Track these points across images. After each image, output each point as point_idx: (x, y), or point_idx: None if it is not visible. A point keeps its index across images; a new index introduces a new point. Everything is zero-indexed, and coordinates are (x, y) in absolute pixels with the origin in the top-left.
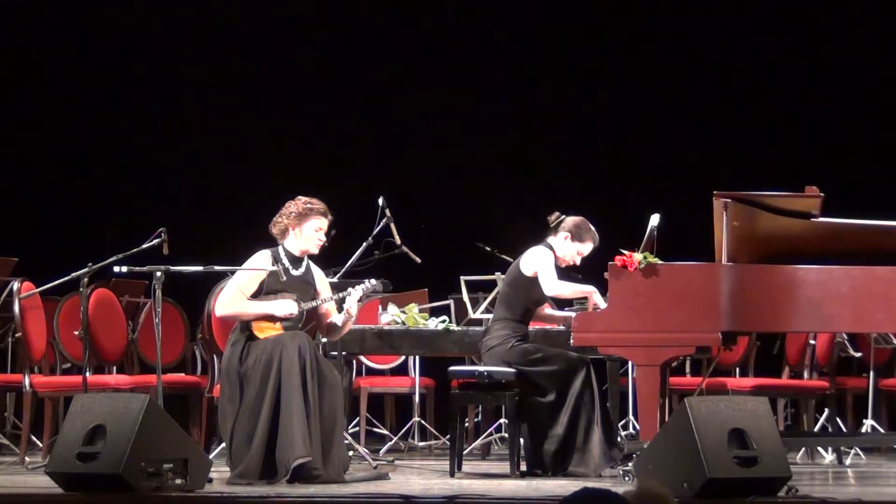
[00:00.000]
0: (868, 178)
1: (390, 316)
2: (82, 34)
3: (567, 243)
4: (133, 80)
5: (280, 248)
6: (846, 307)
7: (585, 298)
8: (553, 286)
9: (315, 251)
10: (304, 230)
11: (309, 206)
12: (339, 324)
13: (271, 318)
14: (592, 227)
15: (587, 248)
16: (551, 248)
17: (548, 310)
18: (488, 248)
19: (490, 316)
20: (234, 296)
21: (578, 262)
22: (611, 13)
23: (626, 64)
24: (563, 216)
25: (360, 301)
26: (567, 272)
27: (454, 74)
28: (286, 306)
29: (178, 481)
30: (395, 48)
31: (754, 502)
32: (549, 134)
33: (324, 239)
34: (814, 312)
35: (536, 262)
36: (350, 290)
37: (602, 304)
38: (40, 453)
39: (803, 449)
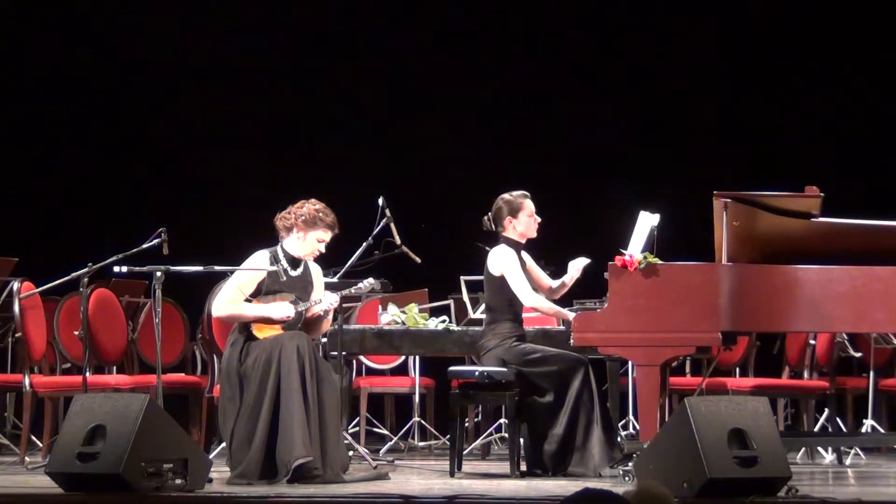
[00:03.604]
0: (868, 178)
1: (390, 316)
2: (82, 33)
3: (515, 223)
4: (133, 79)
5: (279, 247)
6: (846, 307)
7: (584, 300)
8: (530, 298)
9: (310, 259)
10: (308, 237)
11: (320, 216)
12: (318, 321)
13: (269, 320)
14: (511, 192)
15: (529, 206)
16: (511, 241)
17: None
18: (488, 249)
19: None
20: (232, 297)
21: (539, 220)
22: (611, 13)
23: (627, 64)
24: (489, 214)
25: (359, 301)
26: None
27: (454, 74)
28: (282, 309)
29: (178, 481)
30: (395, 48)
31: (754, 502)
32: (549, 133)
33: (322, 250)
34: (814, 312)
35: (501, 264)
36: (335, 294)
37: None
38: (40, 453)
39: (803, 449)
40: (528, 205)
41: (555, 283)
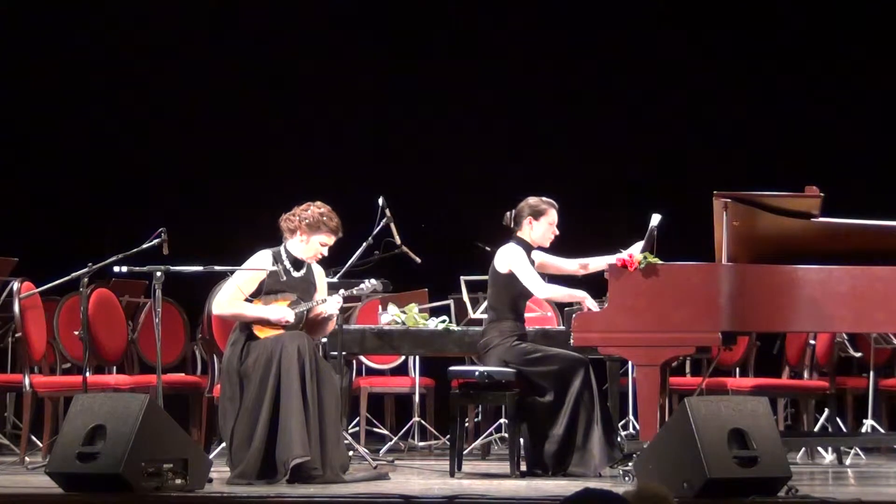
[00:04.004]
0: (868, 178)
1: (390, 316)
2: (82, 33)
3: (535, 226)
4: (133, 79)
5: (282, 248)
6: (846, 307)
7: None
8: (543, 289)
9: (313, 262)
10: (311, 241)
11: (324, 220)
12: (323, 323)
13: (267, 322)
14: (542, 197)
15: (552, 215)
16: (523, 242)
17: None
18: (488, 248)
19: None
20: (233, 296)
21: (557, 233)
22: (611, 13)
23: (627, 64)
24: (512, 210)
25: (359, 301)
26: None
27: (454, 74)
28: (280, 312)
29: (178, 481)
30: (396, 48)
31: (754, 502)
32: (550, 133)
33: (325, 254)
34: (814, 312)
35: (510, 261)
36: (339, 293)
37: (595, 309)
38: (40, 453)
39: (803, 449)
40: (553, 214)
41: (580, 263)
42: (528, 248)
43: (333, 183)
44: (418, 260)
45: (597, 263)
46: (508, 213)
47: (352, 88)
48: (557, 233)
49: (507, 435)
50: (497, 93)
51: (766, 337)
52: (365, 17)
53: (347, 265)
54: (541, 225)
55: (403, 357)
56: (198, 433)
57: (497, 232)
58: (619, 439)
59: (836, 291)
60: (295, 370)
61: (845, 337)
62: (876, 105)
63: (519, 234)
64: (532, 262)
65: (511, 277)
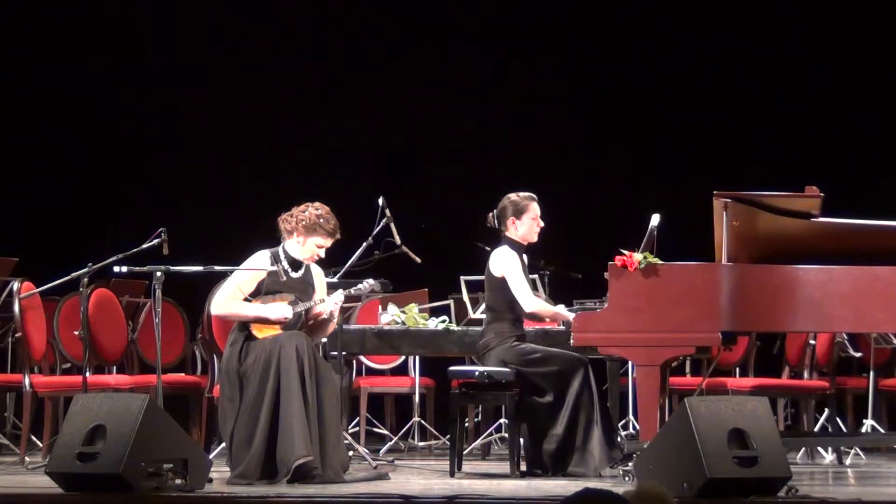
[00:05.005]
0: (868, 178)
1: (390, 316)
2: (82, 33)
3: (518, 225)
4: (133, 79)
5: (280, 248)
6: (846, 307)
7: (584, 300)
8: (530, 303)
9: (309, 263)
10: (307, 242)
11: (321, 222)
12: (323, 324)
13: (266, 320)
14: (519, 192)
15: (534, 210)
16: (513, 242)
17: None
18: (488, 248)
19: None
20: (232, 295)
21: (542, 225)
22: (610, 14)
23: (627, 64)
24: (492, 212)
25: (359, 301)
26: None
27: (454, 74)
28: (280, 310)
29: (178, 481)
30: (396, 48)
31: (754, 502)
32: (549, 134)
33: (322, 255)
34: (814, 312)
35: (503, 265)
36: (339, 291)
37: None
38: (40, 453)
39: (803, 449)
40: (534, 208)
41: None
42: (518, 248)
43: (333, 183)
44: (418, 260)
45: (558, 315)
46: (490, 215)
47: (352, 88)
48: (542, 224)
49: (507, 435)
50: (497, 92)
51: (766, 337)
52: (365, 16)
53: (347, 265)
54: (524, 223)
55: (403, 357)
56: (198, 433)
57: (497, 232)
58: (619, 439)
59: (836, 291)
60: (294, 370)
61: (845, 337)
62: (876, 104)
63: (506, 234)
64: (524, 265)
65: (506, 280)
